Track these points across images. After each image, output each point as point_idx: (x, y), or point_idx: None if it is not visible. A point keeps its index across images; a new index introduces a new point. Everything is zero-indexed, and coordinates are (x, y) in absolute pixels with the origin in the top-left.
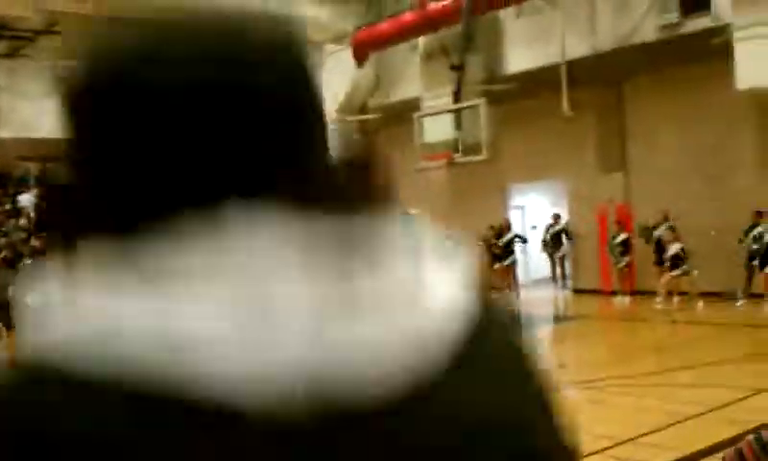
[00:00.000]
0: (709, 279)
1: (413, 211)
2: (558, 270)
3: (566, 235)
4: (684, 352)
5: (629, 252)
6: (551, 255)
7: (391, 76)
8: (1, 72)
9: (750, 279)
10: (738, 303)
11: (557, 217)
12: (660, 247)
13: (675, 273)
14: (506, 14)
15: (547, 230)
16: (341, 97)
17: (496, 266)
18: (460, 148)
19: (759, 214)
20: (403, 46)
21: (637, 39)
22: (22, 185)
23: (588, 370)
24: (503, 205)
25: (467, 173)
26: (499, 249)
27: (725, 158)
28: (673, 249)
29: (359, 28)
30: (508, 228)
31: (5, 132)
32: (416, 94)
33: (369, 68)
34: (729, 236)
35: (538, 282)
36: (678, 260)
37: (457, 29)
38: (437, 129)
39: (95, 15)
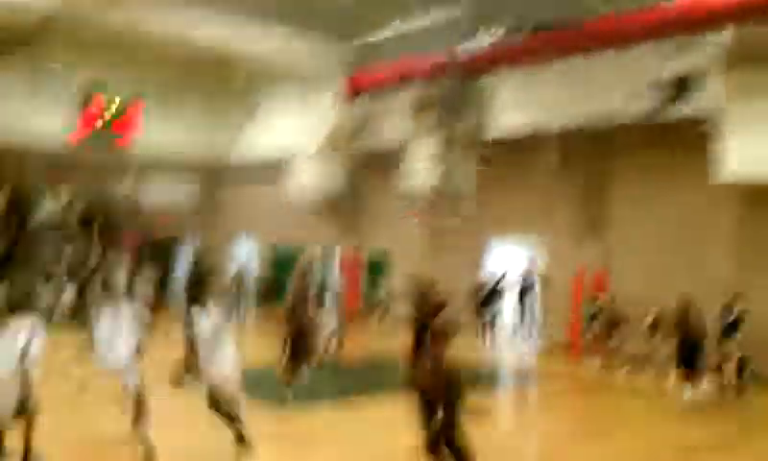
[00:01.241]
0: None
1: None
2: (525, 324)
3: (529, 291)
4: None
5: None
6: (520, 311)
7: (379, 118)
8: None
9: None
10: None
11: (528, 274)
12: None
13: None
14: (497, 76)
15: (520, 284)
16: (328, 132)
17: (475, 318)
18: (444, 203)
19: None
20: (394, 92)
21: (625, 118)
22: None
23: (556, 444)
24: (482, 257)
25: (447, 222)
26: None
27: (702, 242)
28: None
29: (352, 68)
30: (486, 283)
31: None
32: (402, 139)
33: (358, 108)
34: None
35: (506, 338)
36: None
37: (448, 83)
38: (421, 178)
39: None
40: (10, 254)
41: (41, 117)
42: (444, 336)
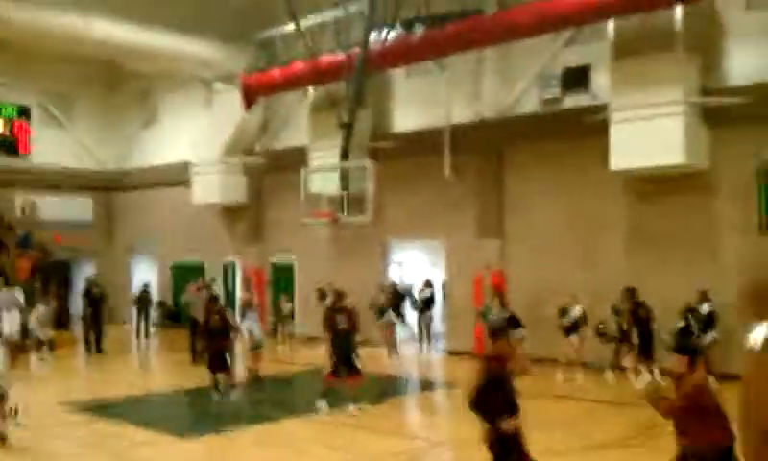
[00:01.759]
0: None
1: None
2: (425, 332)
3: (432, 298)
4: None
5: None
6: (419, 318)
7: (279, 122)
8: None
9: (618, 352)
10: (607, 376)
11: (428, 283)
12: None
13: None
14: (396, 74)
15: (419, 293)
16: (227, 138)
17: (379, 322)
18: (345, 207)
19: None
20: (293, 94)
21: (520, 110)
22: None
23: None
24: (383, 260)
25: (349, 226)
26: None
27: (598, 232)
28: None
29: (249, 71)
30: (392, 287)
31: None
32: (303, 143)
33: (257, 112)
34: (597, 309)
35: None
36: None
37: (347, 83)
38: (323, 182)
39: None
40: None
41: None
42: None
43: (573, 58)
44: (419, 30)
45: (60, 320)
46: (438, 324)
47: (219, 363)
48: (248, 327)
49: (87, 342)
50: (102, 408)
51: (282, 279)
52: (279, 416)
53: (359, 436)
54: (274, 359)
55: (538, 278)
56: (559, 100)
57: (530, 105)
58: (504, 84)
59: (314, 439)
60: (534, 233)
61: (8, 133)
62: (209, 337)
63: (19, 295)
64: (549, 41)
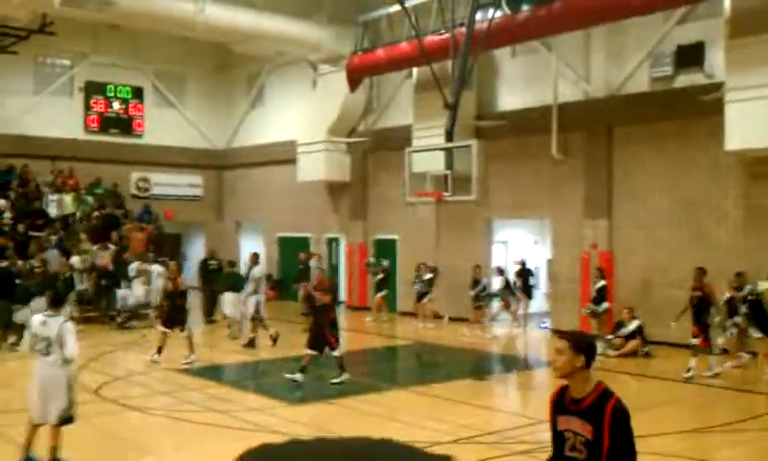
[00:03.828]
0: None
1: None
2: (519, 312)
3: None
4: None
5: (605, 299)
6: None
7: (383, 102)
8: None
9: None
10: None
11: (522, 264)
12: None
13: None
14: (502, 53)
15: (518, 274)
16: (332, 118)
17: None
18: (450, 185)
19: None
20: (397, 74)
21: (630, 89)
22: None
23: None
24: (487, 239)
25: (452, 204)
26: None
27: (709, 214)
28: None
29: (354, 52)
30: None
31: None
32: (407, 122)
33: (361, 92)
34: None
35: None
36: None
37: (452, 63)
38: (427, 161)
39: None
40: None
41: (47, 110)
42: None
43: (686, 35)
44: (525, 8)
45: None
46: (542, 303)
47: (320, 342)
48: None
49: (204, 311)
50: (215, 374)
51: (386, 256)
52: (387, 387)
53: (461, 410)
54: (378, 333)
55: (647, 259)
56: (671, 78)
57: (640, 83)
58: (613, 61)
59: (418, 411)
60: (643, 214)
61: (123, 114)
62: (313, 314)
63: (156, 268)
64: (661, 18)
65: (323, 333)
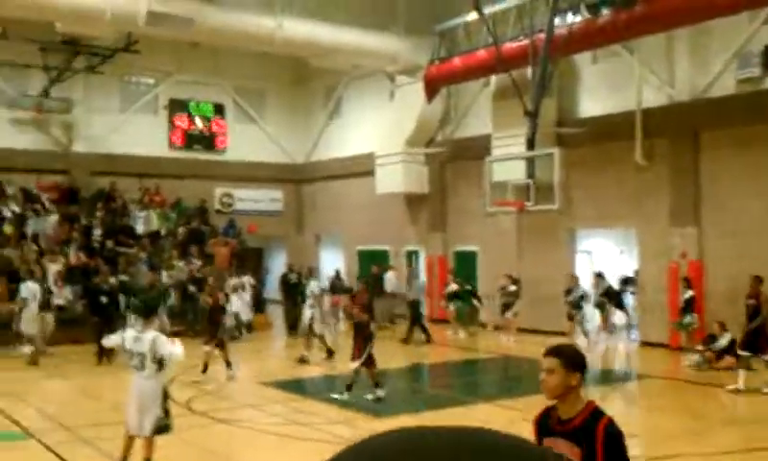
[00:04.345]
0: None
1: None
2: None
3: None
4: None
5: (693, 310)
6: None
7: (461, 111)
8: (77, 87)
9: None
10: None
11: (599, 276)
12: None
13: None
14: (582, 59)
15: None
16: (410, 129)
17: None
18: (531, 194)
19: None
20: (475, 83)
21: (716, 92)
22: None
23: (661, 442)
24: (570, 248)
25: (534, 214)
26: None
27: None
28: None
29: (431, 62)
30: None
31: (79, 146)
32: (486, 131)
33: (439, 102)
34: None
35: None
36: None
37: (531, 70)
38: (507, 170)
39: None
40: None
41: (133, 128)
42: None
43: None
44: (605, 12)
45: (257, 303)
46: (629, 314)
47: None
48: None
49: (286, 324)
50: (298, 387)
51: (466, 268)
52: (473, 401)
53: None
54: (460, 347)
55: (736, 269)
56: (759, 79)
57: (726, 86)
58: (698, 64)
59: (505, 425)
60: (732, 221)
61: (206, 130)
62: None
63: (247, 280)
64: (747, 17)
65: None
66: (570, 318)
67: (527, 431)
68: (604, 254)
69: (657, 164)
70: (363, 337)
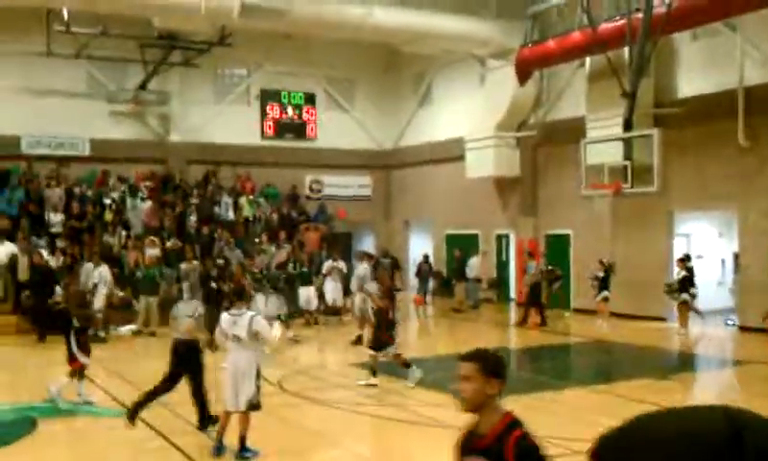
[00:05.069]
0: None
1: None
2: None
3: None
4: None
5: None
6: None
7: (553, 94)
8: (173, 80)
9: None
10: None
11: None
12: None
13: None
14: (681, 37)
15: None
16: (501, 113)
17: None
18: (629, 177)
19: None
20: (568, 65)
21: None
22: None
23: None
24: (668, 232)
25: (630, 197)
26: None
27: None
28: None
29: (523, 45)
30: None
31: (176, 136)
32: (579, 113)
33: (531, 85)
34: None
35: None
36: None
37: (628, 50)
38: (603, 153)
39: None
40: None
41: (227, 119)
42: None
43: None
44: None
45: (346, 288)
46: (728, 299)
47: (380, 343)
48: None
49: None
50: (390, 368)
51: (558, 252)
52: (564, 385)
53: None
54: (550, 331)
55: None
56: None
57: None
58: None
59: (601, 410)
60: None
61: (297, 119)
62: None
63: (341, 265)
64: None
65: (378, 335)
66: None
67: (622, 416)
68: (702, 238)
69: (760, 144)
70: (386, 323)
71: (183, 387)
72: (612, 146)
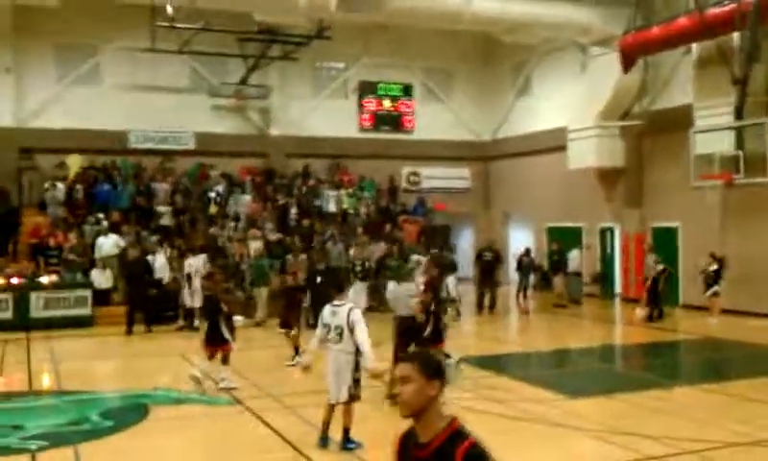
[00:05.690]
0: None
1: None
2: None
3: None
4: None
5: None
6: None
7: (659, 82)
8: (273, 74)
9: None
10: None
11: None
12: None
13: None
14: None
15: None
16: (604, 102)
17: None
18: (741, 167)
19: None
20: (674, 52)
21: None
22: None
23: None
24: None
25: (742, 188)
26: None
27: None
28: None
29: (627, 32)
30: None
31: (275, 130)
32: (686, 102)
33: (635, 73)
34: None
35: None
36: None
37: (737, 36)
38: (713, 142)
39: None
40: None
41: (325, 112)
42: None
43: None
44: None
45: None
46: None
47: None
48: None
49: (479, 303)
50: (492, 363)
51: (665, 245)
52: (672, 383)
53: (761, 410)
54: (659, 327)
55: None
56: None
57: None
58: None
59: (712, 410)
60: None
61: (394, 111)
62: None
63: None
64: None
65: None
66: None
67: (734, 417)
68: None
69: None
70: (436, 319)
71: (293, 381)
72: (723, 135)
